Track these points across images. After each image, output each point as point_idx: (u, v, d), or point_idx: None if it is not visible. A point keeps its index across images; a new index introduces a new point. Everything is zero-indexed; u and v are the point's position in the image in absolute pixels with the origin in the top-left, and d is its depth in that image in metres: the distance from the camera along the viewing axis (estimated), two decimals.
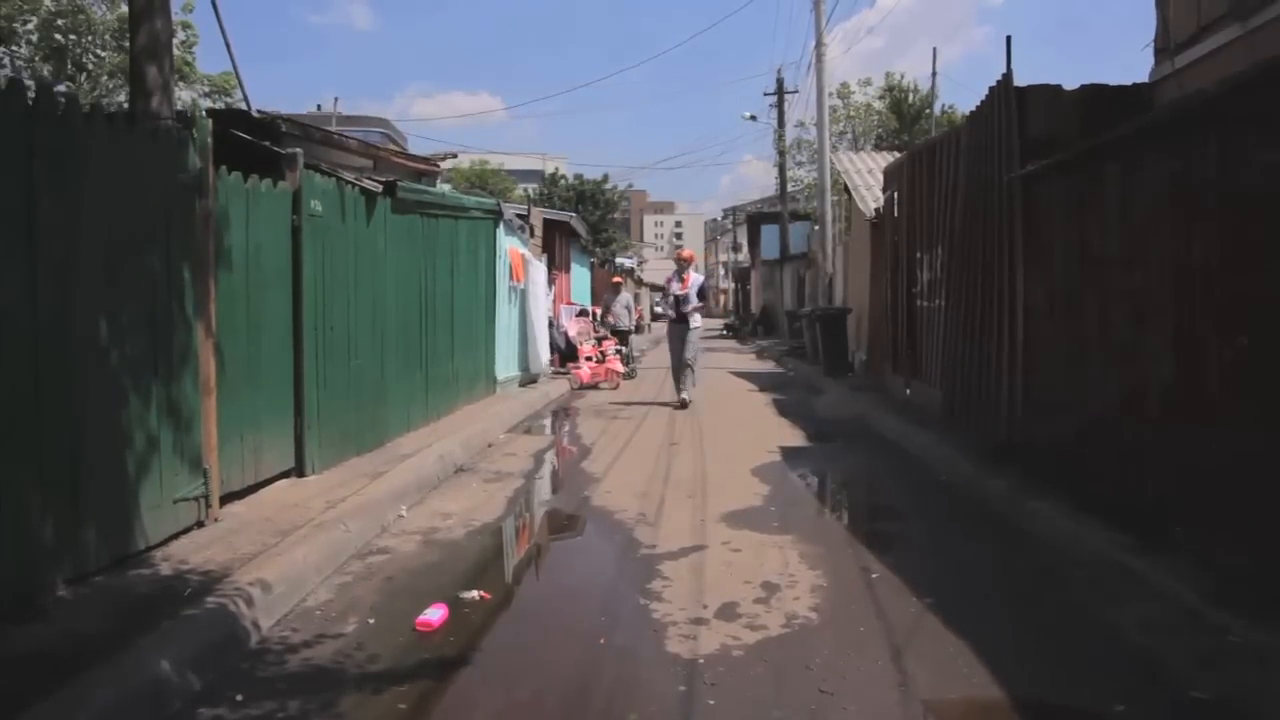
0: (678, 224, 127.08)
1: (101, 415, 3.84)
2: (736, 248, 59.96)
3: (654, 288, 67.32)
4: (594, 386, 13.48)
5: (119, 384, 3.93)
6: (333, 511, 5.03)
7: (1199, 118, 4.14)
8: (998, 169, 6.68)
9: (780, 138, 25.84)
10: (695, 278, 11.22)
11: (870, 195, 12.82)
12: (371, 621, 3.82)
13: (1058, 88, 6.61)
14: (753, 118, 27.70)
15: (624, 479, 6.77)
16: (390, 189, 7.08)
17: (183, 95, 20.23)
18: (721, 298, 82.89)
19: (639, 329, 34.32)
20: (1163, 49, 6.49)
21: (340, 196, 6.23)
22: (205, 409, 4.60)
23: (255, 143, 6.14)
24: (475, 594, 4.15)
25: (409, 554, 4.83)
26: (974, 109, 7.53)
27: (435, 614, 3.83)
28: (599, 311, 16.42)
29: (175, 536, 4.38)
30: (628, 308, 15.56)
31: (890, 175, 10.74)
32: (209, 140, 4.62)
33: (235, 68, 6.60)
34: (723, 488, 6.37)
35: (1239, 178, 3.95)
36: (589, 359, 14.08)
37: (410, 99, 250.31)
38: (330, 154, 7.67)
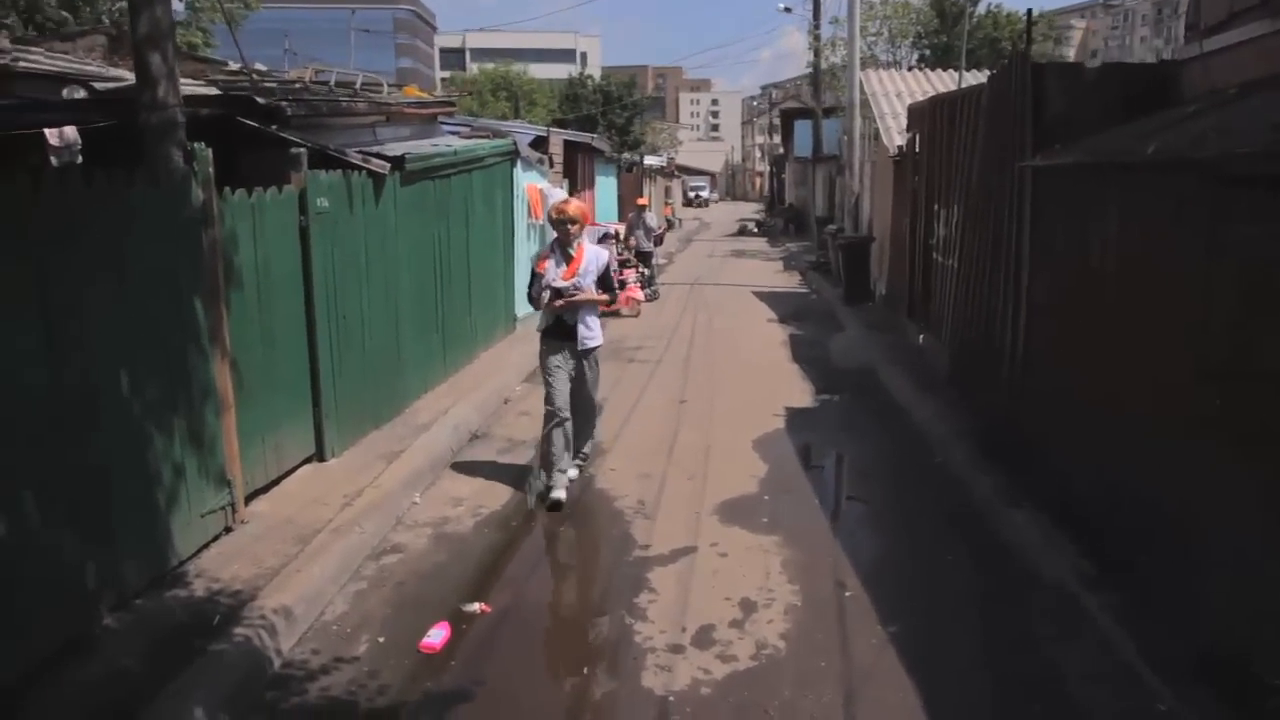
0: (714, 102, 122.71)
1: (129, 458, 4.18)
2: (773, 130, 58.08)
3: (688, 171, 64.78)
4: (615, 314, 13.64)
5: (142, 427, 4.24)
6: (350, 510, 5.41)
7: (1193, 170, 4.09)
8: (1012, 148, 6.54)
9: (815, 36, 24.69)
10: (592, 252, 5.94)
11: (896, 125, 12.46)
12: (381, 640, 4.25)
13: (1078, 66, 6.43)
14: (787, 10, 26.46)
15: (629, 451, 7.07)
16: (398, 164, 7.13)
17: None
18: (756, 181, 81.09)
19: (671, 225, 34.11)
20: (1192, 26, 6.17)
21: (347, 187, 6.33)
22: (225, 427, 4.93)
23: (262, 130, 6.22)
24: (476, 607, 4.56)
25: (419, 553, 5.23)
26: (992, 74, 7.28)
27: (438, 635, 4.24)
28: (623, 231, 16.39)
29: (205, 546, 4.80)
30: (650, 228, 15.58)
31: (914, 117, 10.44)
32: (210, 171, 4.75)
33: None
34: (723, 468, 6.66)
35: (1227, 233, 3.93)
36: None
37: None
38: (340, 121, 7.69)
